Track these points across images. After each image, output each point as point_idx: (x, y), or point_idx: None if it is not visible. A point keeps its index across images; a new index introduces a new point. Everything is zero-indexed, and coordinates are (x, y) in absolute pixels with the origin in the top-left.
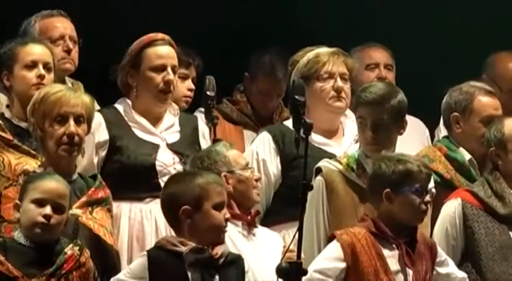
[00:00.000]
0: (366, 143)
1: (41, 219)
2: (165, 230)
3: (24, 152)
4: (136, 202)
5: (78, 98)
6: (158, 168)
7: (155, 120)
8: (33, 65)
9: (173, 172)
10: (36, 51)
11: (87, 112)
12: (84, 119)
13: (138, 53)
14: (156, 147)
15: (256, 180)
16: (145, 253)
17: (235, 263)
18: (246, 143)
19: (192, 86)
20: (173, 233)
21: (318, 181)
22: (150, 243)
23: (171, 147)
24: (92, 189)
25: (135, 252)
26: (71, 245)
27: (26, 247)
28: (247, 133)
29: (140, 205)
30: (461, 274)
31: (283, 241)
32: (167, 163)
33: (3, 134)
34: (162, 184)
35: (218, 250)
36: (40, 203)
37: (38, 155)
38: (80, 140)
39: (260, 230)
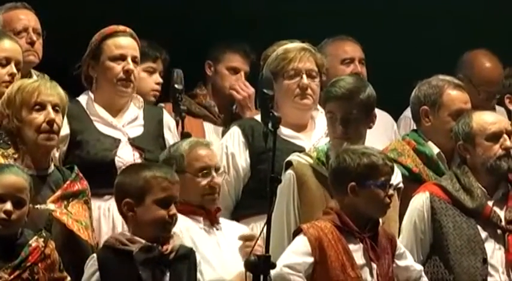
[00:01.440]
0: (335, 137)
1: (2, 215)
2: (122, 228)
3: None
4: (95, 199)
5: (53, 88)
6: (118, 164)
7: (117, 112)
8: (6, 62)
9: None
10: (9, 47)
11: (62, 103)
12: (60, 109)
13: (99, 44)
14: (117, 142)
15: (212, 186)
16: (94, 255)
17: (186, 256)
18: (207, 135)
19: (160, 80)
20: None
21: (288, 175)
22: None
23: (133, 142)
24: (68, 182)
25: None
26: (35, 237)
27: None
28: (208, 126)
29: (99, 202)
30: (419, 267)
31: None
32: (127, 159)
33: None
34: None
35: (168, 246)
36: (0, 199)
37: (6, 152)
38: (58, 128)
39: (226, 224)
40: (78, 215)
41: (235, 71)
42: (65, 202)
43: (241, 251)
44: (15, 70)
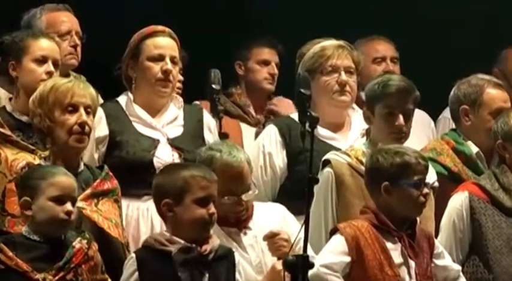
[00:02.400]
0: (391, 132)
1: (64, 216)
2: (160, 229)
3: (22, 148)
4: (134, 199)
5: (86, 89)
6: (156, 165)
7: (157, 112)
8: (43, 60)
9: None
10: (48, 46)
11: (94, 104)
12: (91, 111)
13: (138, 44)
14: (155, 142)
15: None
16: (133, 255)
17: (226, 257)
18: (244, 135)
19: (181, 77)
20: None
21: (326, 173)
22: None
23: (172, 142)
24: (98, 180)
25: (130, 250)
26: (79, 239)
27: (35, 242)
28: (244, 126)
29: (138, 203)
30: (457, 267)
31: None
32: (166, 159)
33: (1, 129)
34: None
35: (207, 247)
36: (59, 200)
37: (36, 151)
38: (89, 130)
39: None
40: (108, 213)
41: (265, 63)
42: (95, 200)
43: (270, 250)
44: (52, 68)
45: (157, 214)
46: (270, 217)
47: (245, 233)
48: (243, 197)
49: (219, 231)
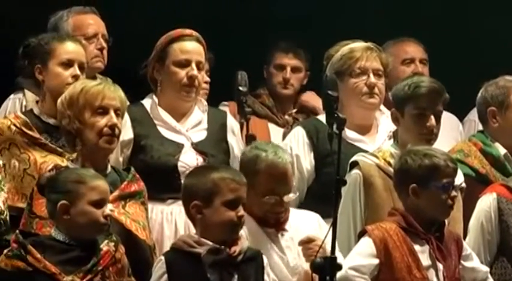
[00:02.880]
0: (421, 133)
1: (104, 220)
2: (184, 232)
3: (50, 150)
4: (158, 203)
5: (116, 91)
6: (180, 169)
7: (181, 116)
8: (69, 63)
9: None
10: (73, 50)
11: (123, 107)
12: (120, 113)
13: (164, 47)
14: (180, 147)
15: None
16: (162, 258)
17: (254, 259)
18: (272, 136)
19: (207, 79)
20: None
21: (354, 175)
22: (168, 246)
23: (196, 147)
24: (125, 183)
25: (156, 253)
26: (106, 241)
27: (63, 244)
28: (272, 126)
29: (162, 206)
30: (485, 268)
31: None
32: (190, 163)
33: (29, 132)
34: None
35: (236, 248)
36: (99, 204)
37: (64, 153)
38: (119, 132)
39: (295, 221)
40: (135, 216)
41: (281, 68)
42: (123, 202)
43: (304, 255)
44: (78, 72)
45: (180, 217)
46: (305, 222)
47: (282, 235)
48: (285, 198)
49: (258, 230)
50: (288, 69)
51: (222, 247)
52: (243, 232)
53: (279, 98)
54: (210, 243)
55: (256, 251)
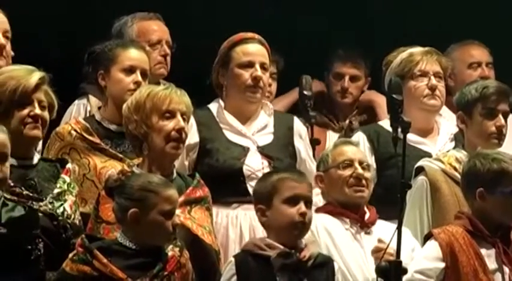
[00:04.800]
0: (491, 133)
1: (171, 230)
2: (249, 237)
3: (110, 156)
4: (223, 207)
5: (182, 96)
6: (246, 173)
7: (247, 120)
8: (131, 69)
9: None
10: (136, 56)
11: (189, 112)
12: (186, 118)
13: (227, 52)
14: (245, 150)
15: (360, 178)
16: (233, 259)
17: (325, 265)
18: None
19: (270, 81)
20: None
21: (421, 180)
22: (234, 250)
23: (262, 150)
24: (190, 188)
25: (221, 257)
26: (171, 246)
27: (129, 249)
28: (330, 133)
29: (227, 210)
30: None
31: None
32: (255, 167)
33: (90, 138)
34: (250, 189)
35: (306, 253)
36: (169, 214)
37: (124, 159)
38: (186, 136)
39: (382, 228)
40: (201, 221)
41: (339, 77)
42: (188, 208)
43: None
44: (140, 78)
45: (245, 221)
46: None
47: (366, 233)
48: (358, 167)
49: (338, 226)
50: (347, 78)
51: (292, 251)
52: (317, 237)
53: (338, 106)
54: (281, 247)
55: (328, 257)
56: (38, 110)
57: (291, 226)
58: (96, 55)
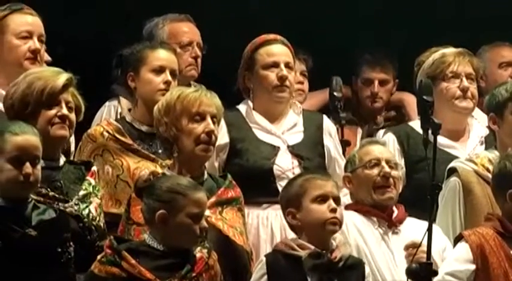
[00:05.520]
0: None
1: (199, 233)
2: (280, 237)
3: (143, 156)
4: (254, 207)
5: (212, 98)
6: (276, 173)
7: (276, 119)
8: (160, 70)
9: (291, 176)
10: (165, 56)
11: (219, 114)
12: (216, 120)
13: (251, 55)
14: (276, 150)
15: (387, 177)
16: (264, 259)
17: (355, 267)
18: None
19: (300, 78)
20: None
21: (453, 182)
22: (265, 250)
23: (292, 149)
24: (222, 189)
25: (253, 258)
26: (199, 248)
27: (158, 251)
28: (360, 132)
29: (257, 211)
30: None
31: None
32: (285, 167)
33: (122, 139)
34: (280, 189)
35: (337, 254)
36: (197, 217)
37: (157, 159)
38: (215, 139)
39: (410, 226)
40: (232, 222)
41: (368, 82)
42: (219, 208)
43: (407, 260)
44: (170, 78)
45: (276, 221)
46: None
47: (394, 232)
48: (386, 166)
49: (367, 226)
50: (376, 83)
51: (323, 251)
52: (348, 238)
53: (368, 111)
54: (312, 247)
55: (359, 259)
56: (65, 111)
57: (324, 223)
58: (125, 57)
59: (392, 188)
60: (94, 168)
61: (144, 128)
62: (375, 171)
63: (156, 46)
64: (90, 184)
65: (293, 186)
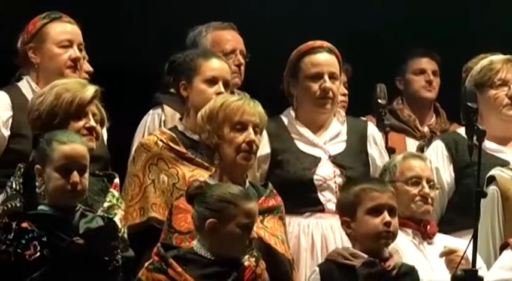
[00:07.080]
0: None
1: (248, 243)
2: (321, 246)
3: (197, 165)
4: (295, 216)
5: (256, 107)
6: (316, 183)
7: (319, 129)
8: (213, 80)
9: (333, 185)
10: (218, 66)
11: (262, 123)
12: (259, 130)
13: (296, 62)
14: (317, 160)
15: (426, 197)
16: (317, 268)
17: (409, 274)
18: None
19: (345, 91)
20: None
21: (492, 190)
22: (305, 259)
23: (334, 159)
24: (263, 198)
25: (294, 267)
26: (247, 256)
27: (205, 259)
28: (410, 141)
29: (298, 219)
30: None
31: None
32: (326, 176)
33: (176, 147)
34: (322, 198)
35: (390, 262)
36: (247, 227)
37: (211, 168)
38: (257, 148)
39: (442, 239)
40: (274, 230)
41: (421, 72)
42: (261, 217)
43: (447, 267)
44: (223, 89)
45: (317, 230)
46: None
47: (429, 243)
48: (425, 185)
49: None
50: (430, 71)
51: (377, 260)
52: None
53: (421, 103)
54: (365, 256)
55: (411, 267)
56: (92, 122)
57: (376, 236)
58: (178, 65)
59: (429, 206)
60: (117, 180)
61: (196, 137)
62: (415, 190)
63: (210, 55)
64: (113, 195)
65: (349, 194)
